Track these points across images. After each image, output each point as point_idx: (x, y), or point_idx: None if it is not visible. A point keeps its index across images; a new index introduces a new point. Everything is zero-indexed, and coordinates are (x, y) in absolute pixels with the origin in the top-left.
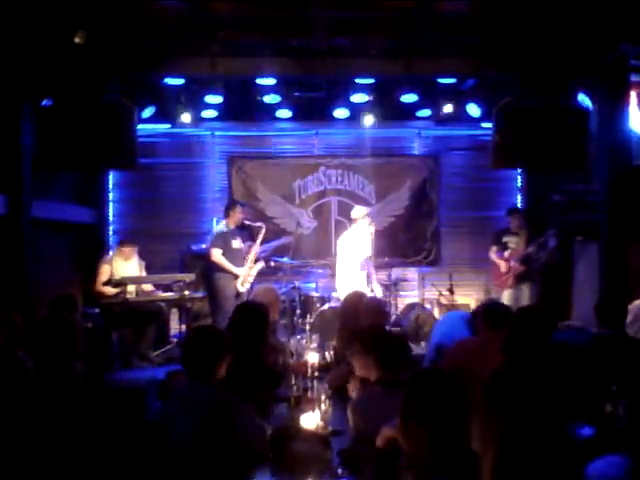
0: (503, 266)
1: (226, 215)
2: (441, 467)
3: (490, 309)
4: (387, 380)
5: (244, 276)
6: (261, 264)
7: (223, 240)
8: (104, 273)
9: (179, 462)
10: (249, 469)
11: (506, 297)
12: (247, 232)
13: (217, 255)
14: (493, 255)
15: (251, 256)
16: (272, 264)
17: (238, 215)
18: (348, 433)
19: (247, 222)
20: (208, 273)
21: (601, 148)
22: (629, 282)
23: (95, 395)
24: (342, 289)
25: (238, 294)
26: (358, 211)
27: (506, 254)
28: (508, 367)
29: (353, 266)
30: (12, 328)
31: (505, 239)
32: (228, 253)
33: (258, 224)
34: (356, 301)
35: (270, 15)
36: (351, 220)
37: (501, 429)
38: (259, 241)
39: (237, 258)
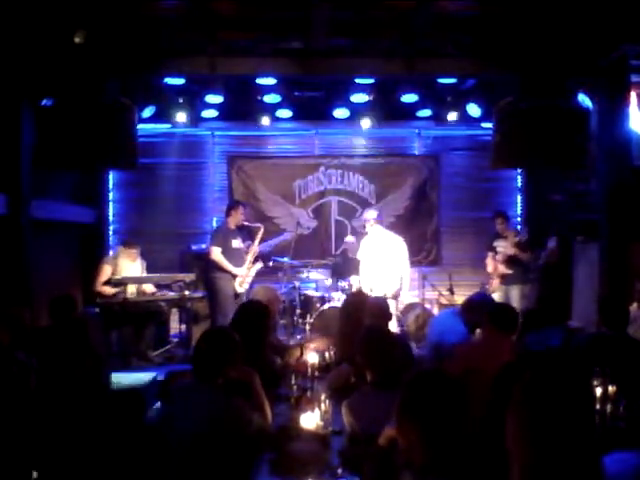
0: (490, 269)
1: (227, 215)
2: (436, 467)
3: (497, 313)
4: (379, 382)
5: (242, 276)
6: (260, 264)
7: (223, 239)
8: (104, 273)
9: (180, 461)
10: (250, 469)
11: (495, 300)
12: (246, 232)
13: (216, 253)
14: (489, 260)
15: (250, 256)
16: (271, 264)
17: (239, 216)
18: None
19: (246, 223)
20: (208, 272)
21: (601, 148)
22: (629, 282)
23: (95, 395)
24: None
25: (237, 294)
26: (370, 214)
27: (497, 257)
28: (544, 368)
29: (375, 270)
30: (19, 326)
31: (495, 243)
32: (227, 252)
33: (256, 225)
34: (359, 301)
35: (270, 15)
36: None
37: (536, 430)
38: (257, 242)
39: (236, 257)
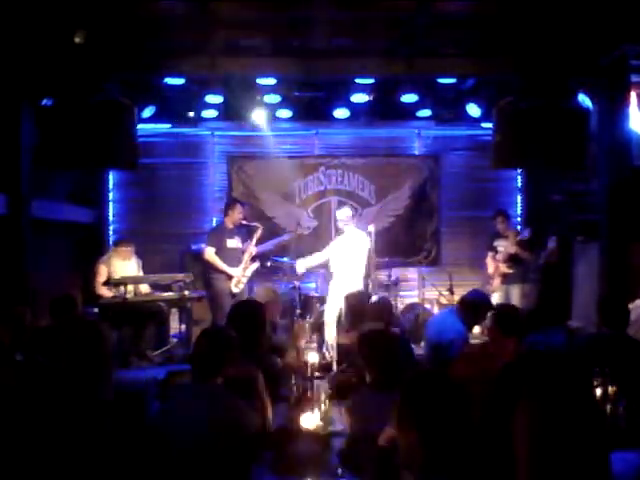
0: (491, 269)
1: (225, 214)
2: (436, 467)
3: (502, 315)
4: (379, 382)
5: (238, 277)
6: (256, 265)
7: (218, 239)
8: (102, 274)
9: (179, 461)
10: (249, 469)
11: (496, 299)
12: (246, 232)
13: (210, 254)
14: (488, 259)
15: (246, 256)
16: (268, 264)
17: (237, 215)
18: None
19: (244, 222)
20: (206, 273)
21: (601, 148)
22: (629, 282)
23: (95, 395)
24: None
25: (233, 294)
26: (342, 212)
27: (497, 257)
28: (547, 368)
29: (346, 268)
30: (20, 326)
31: (495, 243)
32: (222, 252)
33: (255, 224)
34: (362, 300)
35: (270, 15)
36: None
37: (540, 431)
38: (254, 241)
39: (232, 257)
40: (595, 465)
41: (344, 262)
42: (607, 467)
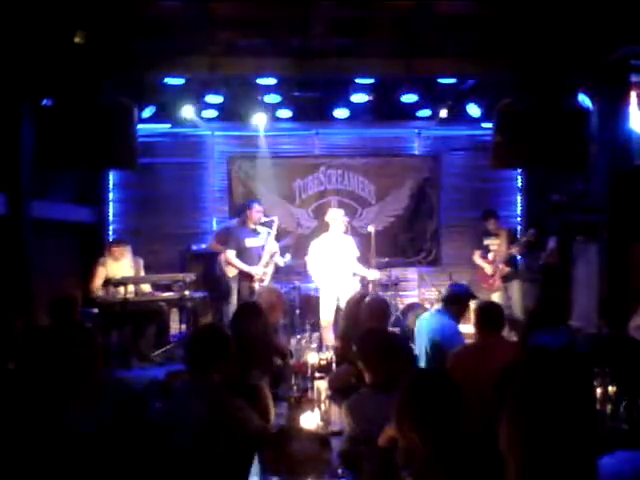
0: (489, 269)
1: (245, 215)
2: (436, 465)
3: (483, 313)
4: (378, 383)
5: (260, 275)
6: (278, 258)
7: (236, 240)
8: (99, 276)
9: (179, 461)
10: (248, 467)
11: (496, 299)
12: (263, 227)
13: (231, 256)
14: (477, 258)
15: (267, 253)
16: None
17: (257, 214)
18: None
19: (263, 219)
20: (220, 275)
21: (601, 148)
22: (629, 282)
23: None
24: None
25: (252, 293)
26: (338, 212)
27: (490, 256)
28: (532, 368)
29: (330, 268)
30: (11, 335)
31: (486, 242)
32: (242, 253)
33: (270, 219)
34: (358, 301)
35: (270, 15)
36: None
37: (529, 430)
38: (274, 234)
39: (252, 257)
40: (582, 468)
41: (329, 262)
42: (594, 470)
